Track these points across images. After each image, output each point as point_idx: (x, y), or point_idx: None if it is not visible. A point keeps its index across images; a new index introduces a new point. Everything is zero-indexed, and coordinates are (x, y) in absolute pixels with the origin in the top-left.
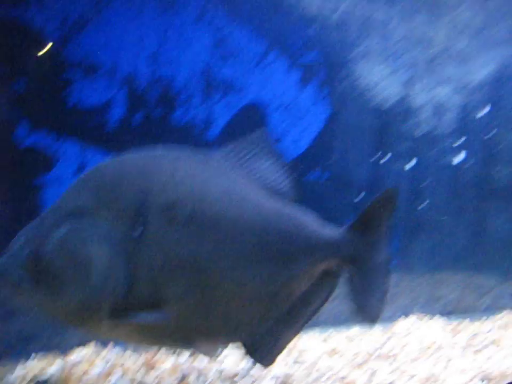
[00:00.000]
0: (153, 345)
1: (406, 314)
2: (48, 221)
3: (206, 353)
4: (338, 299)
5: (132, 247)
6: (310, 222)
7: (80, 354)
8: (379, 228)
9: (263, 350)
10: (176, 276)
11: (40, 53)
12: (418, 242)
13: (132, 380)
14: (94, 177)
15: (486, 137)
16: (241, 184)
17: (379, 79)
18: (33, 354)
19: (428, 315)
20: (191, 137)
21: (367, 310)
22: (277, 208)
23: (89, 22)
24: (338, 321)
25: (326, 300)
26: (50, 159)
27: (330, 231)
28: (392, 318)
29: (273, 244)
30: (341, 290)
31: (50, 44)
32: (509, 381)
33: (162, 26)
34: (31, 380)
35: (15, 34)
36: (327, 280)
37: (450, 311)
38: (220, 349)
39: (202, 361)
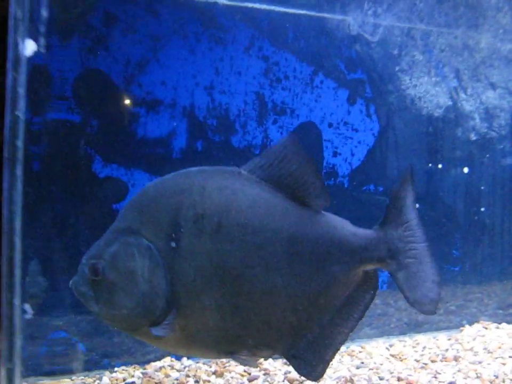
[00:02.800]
0: (198, 356)
1: (472, 323)
2: (105, 239)
3: (246, 364)
4: (400, 310)
5: (169, 259)
6: (343, 227)
7: (157, 366)
8: (407, 216)
9: (308, 363)
10: (208, 284)
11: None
12: (479, 250)
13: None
14: (138, 199)
15: None
16: (269, 193)
17: (426, 89)
18: (116, 368)
19: (495, 323)
20: (250, 159)
21: (421, 301)
22: (307, 215)
23: (148, 63)
24: (402, 331)
25: (368, 304)
26: (125, 187)
27: (363, 233)
28: (458, 326)
29: (305, 249)
30: (403, 301)
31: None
32: None
33: (215, 59)
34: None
35: (88, 81)
36: (368, 283)
37: None
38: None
39: (270, 365)
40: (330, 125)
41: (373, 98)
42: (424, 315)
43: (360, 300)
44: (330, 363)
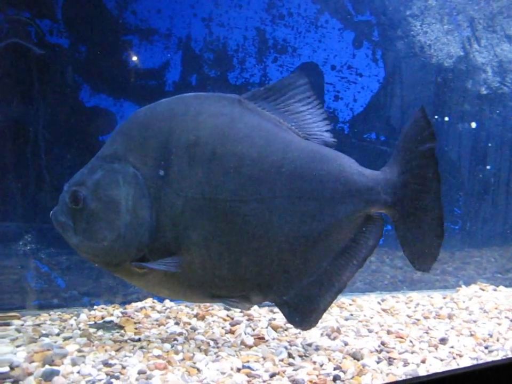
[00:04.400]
0: (181, 298)
1: (469, 284)
2: (89, 166)
3: (238, 307)
4: (395, 268)
5: (156, 188)
6: (349, 165)
7: (138, 307)
8: (420, 161)
9: (300, 312)
10: (198, 218)
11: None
12: (482, 209)
13: (185, 325)
14: (127, 124)
15: None
16: (272, 124)
17: (437, 37)
18: (95, 306)
19: (493, 286)
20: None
21: (418, 256)
22: (310, 149)
23: None
24: (396, 288)
25: (370, 252)
26: (113, 119)
27: (370, 174)
28: (454, 287)
29: (307, 185)
30: (399, 259)
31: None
32: None
33: None
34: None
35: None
36: (372, 229)
37: None
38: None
39: (254, 311)
40: (333, 68)
41: (380, 43)
42: (419, 272)
43: (362, 246)
44: (323, 313)
